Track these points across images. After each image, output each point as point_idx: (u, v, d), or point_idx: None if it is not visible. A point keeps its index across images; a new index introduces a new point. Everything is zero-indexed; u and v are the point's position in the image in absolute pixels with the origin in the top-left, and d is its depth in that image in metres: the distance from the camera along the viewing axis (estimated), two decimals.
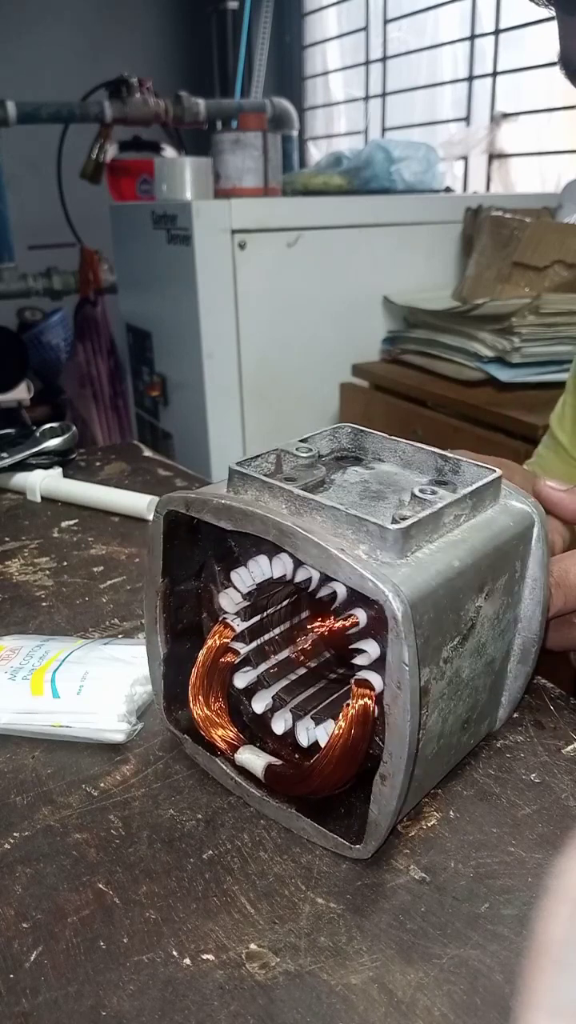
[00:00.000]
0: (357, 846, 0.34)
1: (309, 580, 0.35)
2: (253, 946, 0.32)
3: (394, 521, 0.33)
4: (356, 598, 0.33)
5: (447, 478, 0.40)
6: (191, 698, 0.39)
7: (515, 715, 0.45)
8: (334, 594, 0.34)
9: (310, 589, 0.35)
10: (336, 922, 0.33)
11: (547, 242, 1.54)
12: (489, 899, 0.33)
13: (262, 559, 0.37)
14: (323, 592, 0.35)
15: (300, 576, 0.35)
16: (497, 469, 0.38)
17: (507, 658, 0.40)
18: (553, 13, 0.48)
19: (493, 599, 0.37)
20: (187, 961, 0.31)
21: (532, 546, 0.39)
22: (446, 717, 0.36)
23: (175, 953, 0.31)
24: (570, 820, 0.37)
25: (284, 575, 0.36)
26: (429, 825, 0.37)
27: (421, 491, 0.35)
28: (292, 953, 0.31)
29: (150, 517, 0.39)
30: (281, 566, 0.36)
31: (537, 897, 0.33)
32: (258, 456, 0.38)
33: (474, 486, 0.37)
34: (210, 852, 0.36)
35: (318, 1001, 0.29)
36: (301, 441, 0.40)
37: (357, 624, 0.34)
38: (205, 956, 0.31)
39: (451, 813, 0.38)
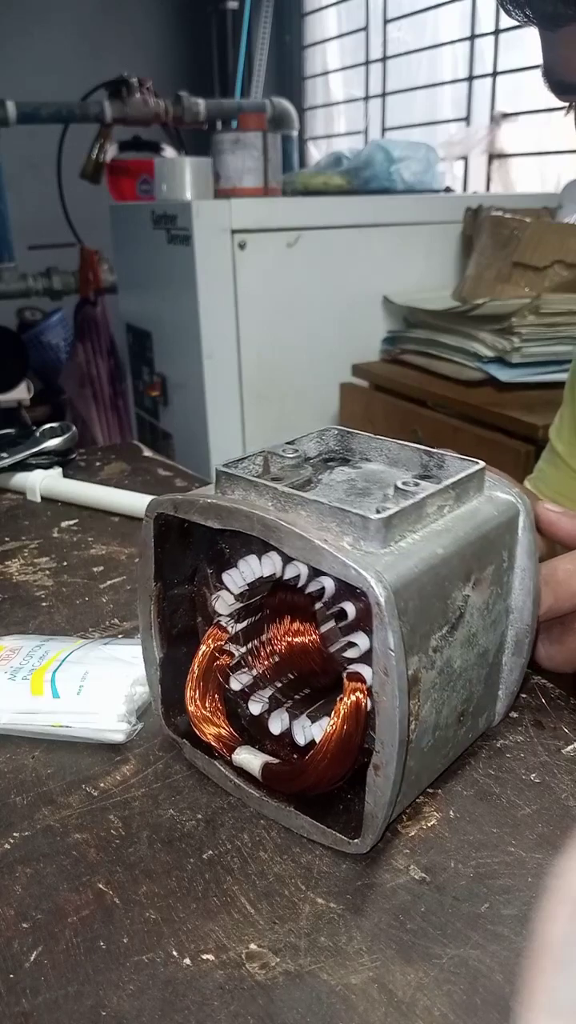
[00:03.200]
0: (355, 841, 0.34)
1: (298, 577, 0.35)
2: (253, 946, 0.32)
3: (377, 512, 0.33)
4: (344, 591, 0.34)
5: (432, 473, 0.40)
6: (187, 701, 0.39)
7: (515, 715, 0.45)
8: (323, 590, 0.34)
9: (299, 585, 0.35)
10: (336, 922, 0.33)
11: (547, 242, 1.54)
12: (489, 899, 0.33)
13: (252, 559, 0.37)
14: (312, 588, 0.35)
15: (289, 573, 0.36)
16: (480, 461, 0.39)
17: (501, 650, 0.41)
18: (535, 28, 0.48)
19: (481, 588, 0.37)
20: (187, 961, 0.31)
21: (519, 535, 0.39)
22: (440, 708, 0.36)
23: (175, 953, 0.31)
24: (570, 820, 0.37)
25: (274, 573, 0.36)
26: (429, 825, 0.37)
27: (404, 484, 0.36)
28: (292, 953, 0.31)
29: None
30: (271, 564, 0.36)
31: (537, 897, 0.33)
32: (245, 458, 0.39)
33: (456, 477, 0.37)
34: (210, 852, 0.36)
35: (318, 1001, 0.29)
36: (288, 443, 0.41)
37: (315, 640, 0.34)
38: (205, 956, 0.31)
39: (451, 813, 0.38)
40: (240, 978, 0.30)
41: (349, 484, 0.39)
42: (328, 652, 0.37)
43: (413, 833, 0.37)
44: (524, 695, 0.46)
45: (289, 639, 0.38)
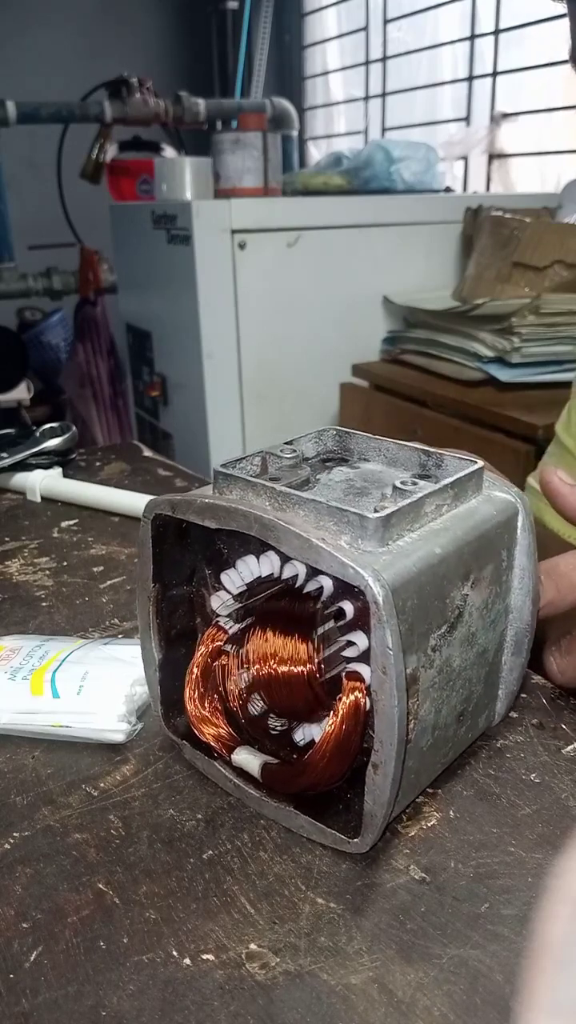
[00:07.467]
0: (355, 840, 0.34)
1: (296, 576, 0.35)
2: (253, 946, 0.32)
3: (375, 511, 0.33)
4: (342, 591, 0.34)
5: (430, 472, 0.40)
6: (187, 702, 0.39)
7: (515, 715, 0.45)
8: (321, 589, 0.34)
9: (297, 585, 0.35)
10: (336, 922, 0.33)
11: (547, 242, 1.54)
12: (489, 899, 0.33)
13: (250, 559, 0.37)
14: (310, 587, 0.35)
15: (287, 573, 0.36)
16: (479, 460, 0.39)
17: (500, 650, 0.41)
18: (564, 10, 0.48)
19: (480, 588, 0.37)
20: (187, 961, 0.31)
21: (518, 535, 0.39)
22: (439, 708, 0.36)
23: (175, 953, 0.31)
24: (570, 820, 0.37)
25: (272, 573, 0.36)
26: (429, 825, 0.37)
27: (402, 483, 0.36)
28: (292, 953, 0.31)
29: None
30: (269, 564, 0.36)
31: (537, 897, 0.33)
32: (243, 458, 0.39)
33: (454, 476, 0.37)
34: (210, 852, 0.36)
35: (318, 1001, 0.29)
36: (286, 443, 0.41)
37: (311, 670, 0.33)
38: (205, 956, 0.31)
39: (451, 813, 0.38)
40: (240, 978, 0.30)
41: (347, 484, 0.39)
42: (318, 687, 0.35)
43: (413, 833, 0.37)
44: (524, 695, 0.46)
45: (278, 670, 0.35)
